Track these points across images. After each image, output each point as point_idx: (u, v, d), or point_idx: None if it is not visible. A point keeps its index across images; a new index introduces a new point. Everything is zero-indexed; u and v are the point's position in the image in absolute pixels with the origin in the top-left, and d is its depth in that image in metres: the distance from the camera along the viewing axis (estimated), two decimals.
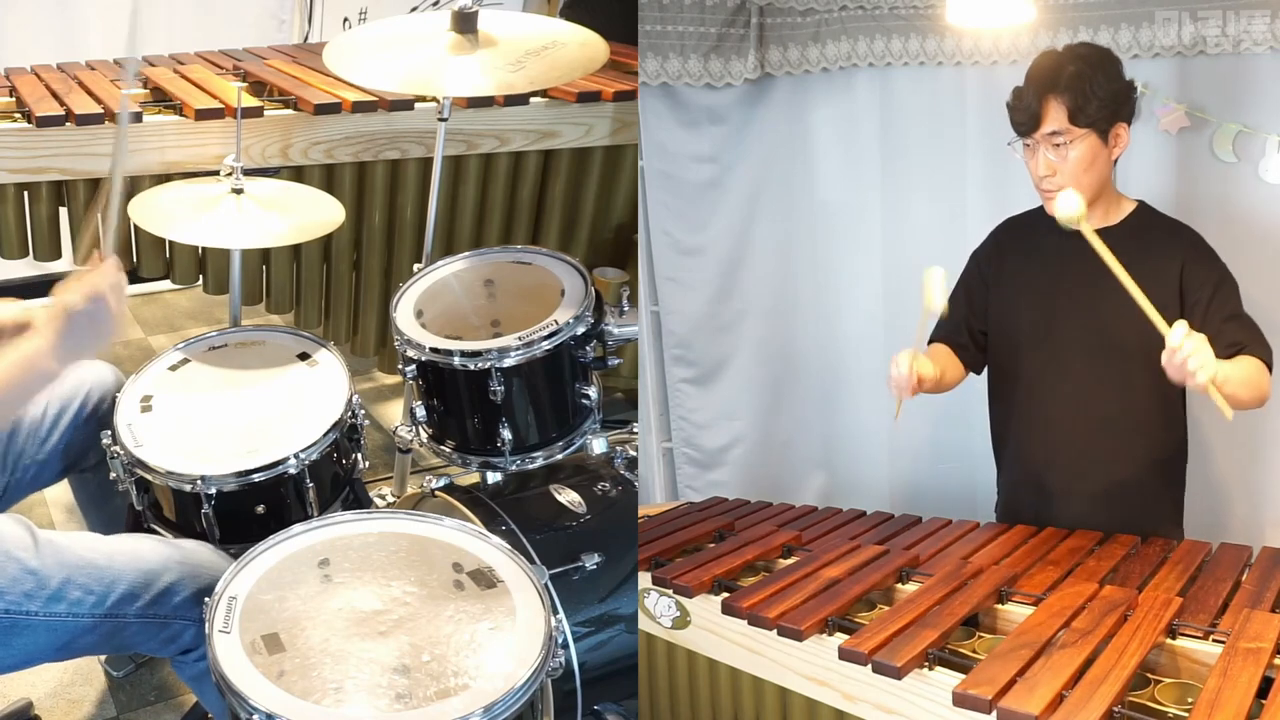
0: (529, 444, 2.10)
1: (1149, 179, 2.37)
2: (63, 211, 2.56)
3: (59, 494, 2.44)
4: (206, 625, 1.51)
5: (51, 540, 1.69)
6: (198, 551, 1.78)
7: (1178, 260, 1.83)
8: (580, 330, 2.07)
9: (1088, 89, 1.78)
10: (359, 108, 2.64)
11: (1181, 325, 1.63)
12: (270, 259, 2.79)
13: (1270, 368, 1.80)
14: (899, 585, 1.74)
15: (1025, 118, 1.82)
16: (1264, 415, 2.33)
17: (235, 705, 1.41)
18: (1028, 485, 2.03)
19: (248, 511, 1.90)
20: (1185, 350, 1.60)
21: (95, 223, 1.75)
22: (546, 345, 2.03)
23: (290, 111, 2.65)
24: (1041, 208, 1.93)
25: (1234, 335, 1.79)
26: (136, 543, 1.77)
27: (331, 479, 2.02)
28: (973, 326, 2.06)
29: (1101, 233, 1.88)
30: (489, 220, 2.92)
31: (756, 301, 2.86)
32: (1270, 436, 2.39)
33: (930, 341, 2.10)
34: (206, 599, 1.56)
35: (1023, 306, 1.97)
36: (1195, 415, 2.29)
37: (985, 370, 2.09)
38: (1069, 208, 1.68)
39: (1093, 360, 1.89)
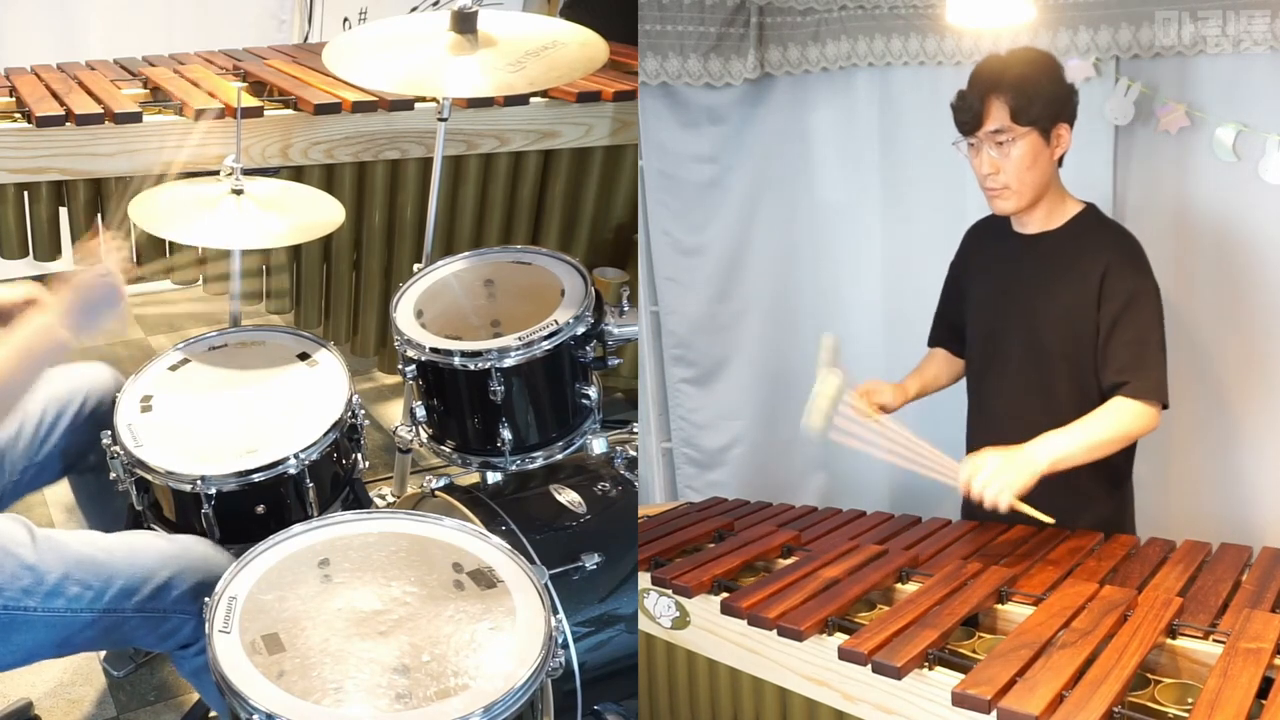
0: (529, 444, 2.10)
1: (1149, 179, 2.37)
2: (63, 211, 2.57)
3: (59, 494, 2.44)
4: (206, 625, 1.51)
5: (49, 536, 1.70)
6: (195, 546, 1.78)
7: (1100, 266, 1.85)
8: (580, 330, 2.07)
9: (1030, 89, 1.83)
10: (359, 108, 2.64)
11: (965, 465, 1.74)
12: (270, 259, 2.79)
13: (1151, 395, 1.80)
14: (899, 585, 1.74)
15: (969, 116, 1.86)
16: (1263, 416, 2.34)
17: (235, 705, 1.42)
18: None
19: (248, 511, 1.90)
20: (977, 488, 1.72)
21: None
22: (546, 345, 2.03)
23: (290, 111, 2.65)
24: None
25: (1120, 365, 1.82)
26: (134, 538, 1.77)
27: (331, 479, 2.02)
28: (957, 326, 2.13)
29: (1041, 236, 1.94)
30: (489, 220, 2.92)
31: (756, 301, 2.86)
32: (1269, 437, 2.39)
33: (929, 344, 2.19)
34: (206, 599, 1.56)
35: (977, 308, 2.03)
36: (1195, 415, 2.30)
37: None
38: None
39: (1024, 363, 1.94)
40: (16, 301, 1.76)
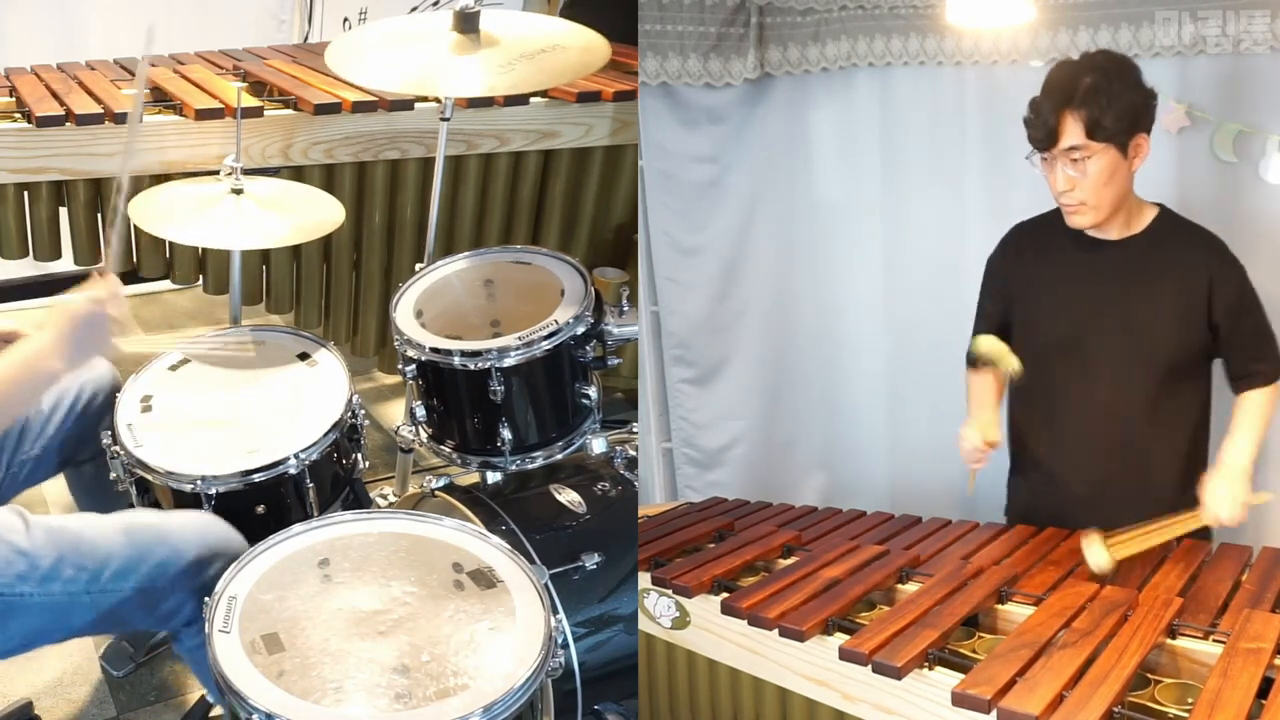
0: (529, 444, 2.10)
1: (1149, 179, 2.35)
2: (63, 211, 2.57)
3: (58, 493, 2.43)
4: (206, 625, 1.51)
5: (43, 522, 1.69)
6: (192, 519, 1.77)
7: (1204, 272, 1.83)
8: (580, 330, 2.07)
9: (1104, 102, 1.73)
10: (359, 108, 2.64)
11: (1213, 506, 1.77)
12: (270, 259, 2.79)
13: (1274, 378, 1.88)
14: (899, 585, 1.74)
15: (1042, 134, 1.77)
16: None
17: (235, 705, 1.41)
18: (1052, 492, 2.00)
19: (248, 511, 1.90)
20: (1227, 518, 1.77)
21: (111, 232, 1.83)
22: (546, 345, 2.03)
23: (290, 111, 2.65)
24: (1055, 211, 1.90)
25: (1249, 356, 1.88)
26: (128, 517, 1.76)
27: (331, 479, 2.02)
28: (1004, 331, 2.03)
29: (1124, 242, 1.88)
30: (489, 220, 2.92)
31: (756, 301, 2.86)
32: (1270, 437, 2.38)
33: (970, 363, 2.08)
34: (207, 599, 1.56)
35: (1049, 315, 1.94)
36: None
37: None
38: (1097, 560, 1.71)
39: (1123, 370, 1.88)
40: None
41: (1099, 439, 1.93)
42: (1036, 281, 1.97)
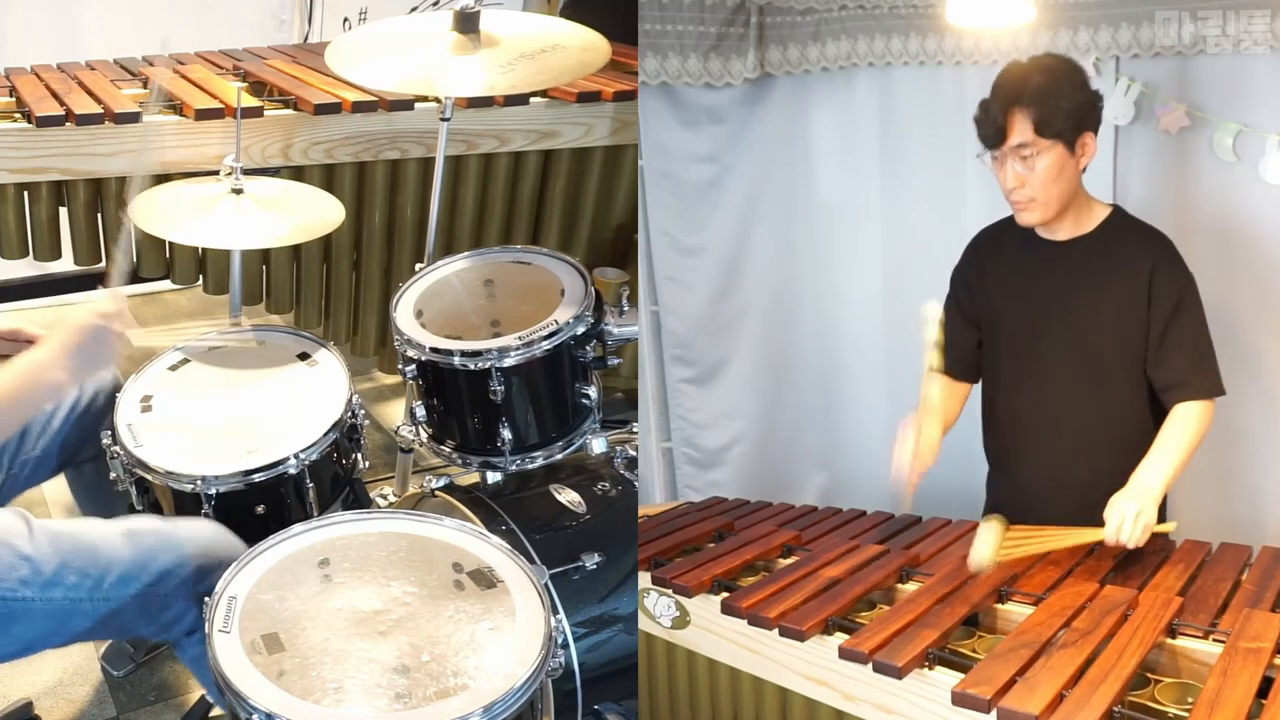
0: (529, 444, 2.10)
1: (1149, 179, 2.37)
2: (63, 211, 2.57)
3: (58, 494, 2.44)
4: (206, 625, 1.51)
5: (46, 527, 1.69)
6: (195, 529, 1.77)
7: (1147, 266, 1.85)
8: (580, 330, 2.07)
9: (1053, 101, 1.78)
10: (359, 108, 2.64)
11: (1112, 526, 1.71)
12: (270, 259, 2.79)
13: (1212, 393, 1.83)
14: (899, 585, 1.74)
15: (991, 131, 1.82)
16: (1264, 416, 2.33)
17: (235, 705, 1.41)
18: (1009, 488, 2.04)
19: (248, 511, 1.90)
20: (1126, 539, 1.70)
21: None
22: (546, 345, 2.03)
23: (290, 111, 2.65)
24: (1011, 217, 1.93)
25: (1179, 368, 1.83)
26: (132, 524, 1.76)
27: (331, 479, 2.02)
28: (967, 341, 2.04)
29: (1073, 241, 1.91)
30: (489, 220, 2.92)
31: (756, 301, 2.86)
32: (1269, 437, 2.39)
33: (942, 370, 2.04)
34: (207, 599, 1.56)
35: (1004, 315, 1.98)
36: None
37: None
38: (980, 555, 1.66)
39: (1071, 368, 1.91)
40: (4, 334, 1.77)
41: (1048, 437, 1.94)
42: (993, 284, 2.01)
